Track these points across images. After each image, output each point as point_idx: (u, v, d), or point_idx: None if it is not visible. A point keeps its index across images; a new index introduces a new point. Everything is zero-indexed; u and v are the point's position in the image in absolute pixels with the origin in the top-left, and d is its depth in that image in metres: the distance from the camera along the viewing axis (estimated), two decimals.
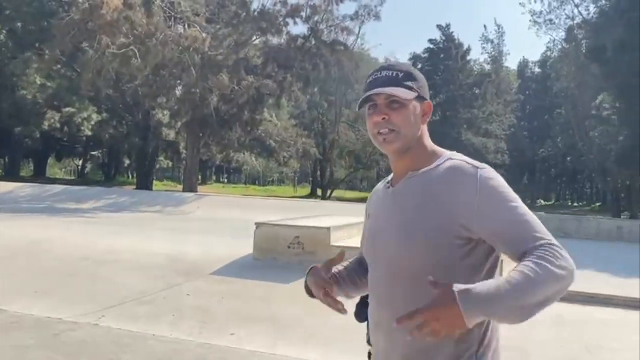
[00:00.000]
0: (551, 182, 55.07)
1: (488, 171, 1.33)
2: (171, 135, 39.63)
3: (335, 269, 1.61)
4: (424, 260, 1.31)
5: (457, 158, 1.39)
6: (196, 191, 28.08)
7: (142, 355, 4.10)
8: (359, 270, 1.69)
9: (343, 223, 8.88)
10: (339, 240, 7.99)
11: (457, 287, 1.13)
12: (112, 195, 21.87)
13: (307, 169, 67.55)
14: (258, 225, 8.15)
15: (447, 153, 1.44)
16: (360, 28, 38.92)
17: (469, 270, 1.31)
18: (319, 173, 51.87)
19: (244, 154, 48.10)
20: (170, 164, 58.67)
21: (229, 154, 40.88)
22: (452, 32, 53.98)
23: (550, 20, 34.98)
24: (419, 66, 56.96)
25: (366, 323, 2.77)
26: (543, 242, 1.23)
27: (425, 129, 1.46)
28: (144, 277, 6.78)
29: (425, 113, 1.44)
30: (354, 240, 8.51)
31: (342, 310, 1.49)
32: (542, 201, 54.53)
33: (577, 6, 32.88)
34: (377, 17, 36.71)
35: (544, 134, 47.82)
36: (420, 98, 1.43)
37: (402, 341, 1.34)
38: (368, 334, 2.79)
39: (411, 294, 1.33)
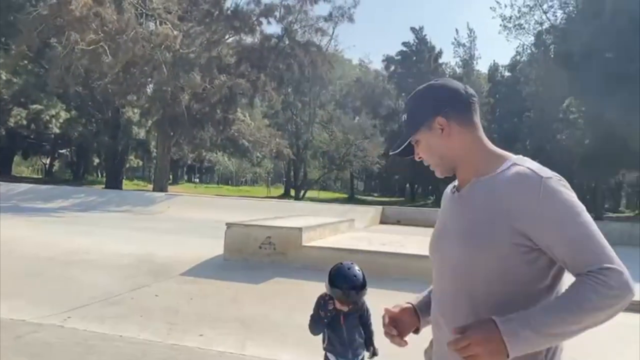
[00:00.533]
0: None
1: (553, 181, 1.28)
2: (141, 133, 39.05)
3: (420, 301, 1.64)
4: (486, 263, 1.31)
5: (522, 164, 1.34)
6: (166, 191, 27.73)
7: (108, 357, 4.03)
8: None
9: (315, 223, 8.91)
10: (311, 240, 8.01)
11: (505, 335, 1.18)
12: (80, 195, 21.41)
13: (281, 169, 67.32)
14: (229, 225, 8.10)
15: (513, 157, 1.40)
16: (334, 29, 39.12)
17: (534, 276, 1.31)
18: (292, 173, 51.78)
19: (216, 153, 47.70)
20: (141, 163, 57.77)
21: (200, 154, 40.48)
22: (425, 35, 54.67)
23: (520, 25, 35.63)
24: (392, 68, 57.50)
25: (324, 332, 2.82)
26: (598, 266, 1.20)
27: (468, 138, 1.42)
28: (112, 277, 6.67)
29: (442, 128, 1.41)
30: (326, 240, 8.55)
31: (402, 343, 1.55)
32: None
33: (545, 12, 33.61)
34: (351, 18, 37.00)
35: (513, 136, 48.60)
36: (426, 121, 1.43)
37: None
38: (324, 341, 2.84)
39: (473, 294, 1.34)
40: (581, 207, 1.28)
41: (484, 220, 1.32)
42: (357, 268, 2.70)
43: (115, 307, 5.44)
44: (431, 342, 1.56)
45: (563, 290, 1.31)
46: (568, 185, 1.31)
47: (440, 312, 1.45)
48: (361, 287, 2.65)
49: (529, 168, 1.32)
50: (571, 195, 1.28)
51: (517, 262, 1.28)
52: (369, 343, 2.89)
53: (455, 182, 1.51)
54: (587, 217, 1.27)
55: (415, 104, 1.49)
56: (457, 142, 1.42)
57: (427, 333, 1.58)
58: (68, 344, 4.26)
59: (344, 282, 2.63)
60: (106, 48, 23.31)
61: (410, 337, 1.56)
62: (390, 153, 1.54)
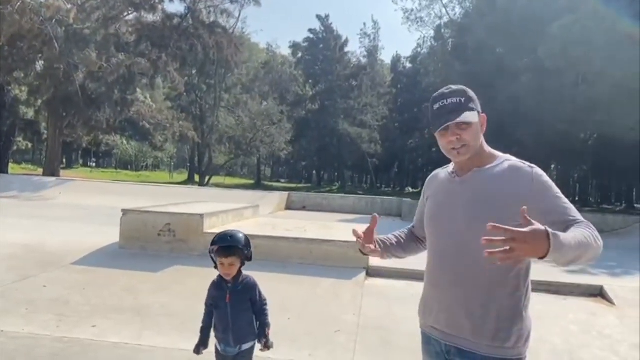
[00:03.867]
0: (418, 170, 58.71)
1: (539, 170, 1.76)
2: (30, 113, 36.14)
3: (384, 237, 2.04)
4: (491, 232, 1.67)
5: (513, 159, 1.82)
6: (59, 175, 26.05)
7: None
8: (409, 238, 2.14)
9: (217, 209, 8.77)
10: (213, 227, 7.89)
11: (547, 227, 1.47)
12: None
13: (185, 154, 65.37)
14: (125, 212, 7.76)
15: (502, 155, 1.86)
16: (240, 12, 38.46)
17: None
18: (197, 158, 50.46)
19: (114, 136, 45.33)
20: (30, 145, 53.54)
21: (96, 136, 38.22)
22: (331, 23, 55.28)
23: (421, 18, 37.17)
24: (299, 54, 57.64)
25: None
26: (581, 221, 1.67)
27: (482, 137, 1.84)
28: None
29: (482, 124, 1.83)
30: (230, 226, 8.46)
31: (375, 251, 1.93)
32: (410, 188, 58.11)
33: (445, 6, 35.26)
34: (257, 2, 36.55)
35: (412, 125, 50.76)
36: (479, 112, 1.82)
37: (464, 297, 1.75)
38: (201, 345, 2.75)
39: (476, 258, 1.66)
40: (557, 188, 1.76)
41: (488, 199, 1.73)
42: (237, 231, 2.75)
43: None
44: (423, 300, 1.94)
45: None
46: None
47: (443, 274, 1.82)
48: (234, 242, 2.65)
49: (520, 161, 1.79)
50: (550, 180, 1.76)
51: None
52: (262, 333, 2.70)
53: (450, 169, 1.91)
54: (562, 194, 1.75)
55: (470, 96, 1.83)
56: (480, 138, 1.83)
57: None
58: None
59: (220, 240, 2.66)
60: None
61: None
62: (445, 125, 1.77)
